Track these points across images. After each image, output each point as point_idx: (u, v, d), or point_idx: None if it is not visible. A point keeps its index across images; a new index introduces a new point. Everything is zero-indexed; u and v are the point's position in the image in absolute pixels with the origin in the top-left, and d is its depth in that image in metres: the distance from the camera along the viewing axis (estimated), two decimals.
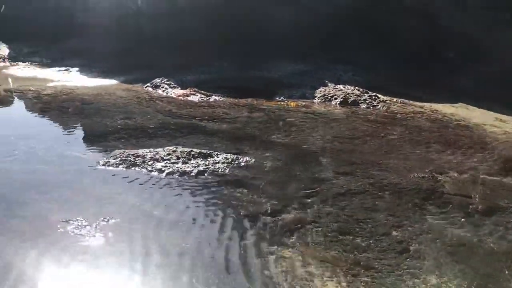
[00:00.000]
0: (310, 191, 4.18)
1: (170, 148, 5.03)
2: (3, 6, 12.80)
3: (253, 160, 4.86)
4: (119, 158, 4.79)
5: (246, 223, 3.60)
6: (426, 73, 8.98)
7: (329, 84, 8.22)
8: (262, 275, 2.93)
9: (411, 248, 3.28)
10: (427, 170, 4.68)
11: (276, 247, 3.27)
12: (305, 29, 10.11)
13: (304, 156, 5.13)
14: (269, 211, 3.79)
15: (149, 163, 4.70)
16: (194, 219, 3.66)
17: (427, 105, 7.37)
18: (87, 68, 9.92)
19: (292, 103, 7.49)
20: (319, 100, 7.70)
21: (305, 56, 10.09)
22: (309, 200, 3.99)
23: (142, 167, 4.63)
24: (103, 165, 4.69)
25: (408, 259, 3.15)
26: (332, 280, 2.89)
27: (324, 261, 3.10)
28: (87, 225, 3.50)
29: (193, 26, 10.39)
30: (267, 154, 5.09)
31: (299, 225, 3.58)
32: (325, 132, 5.99)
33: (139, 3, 10.85)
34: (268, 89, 8.28)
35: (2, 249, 3.17)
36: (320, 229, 3.53)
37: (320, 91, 7.95)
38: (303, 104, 7.46)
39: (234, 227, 3.53)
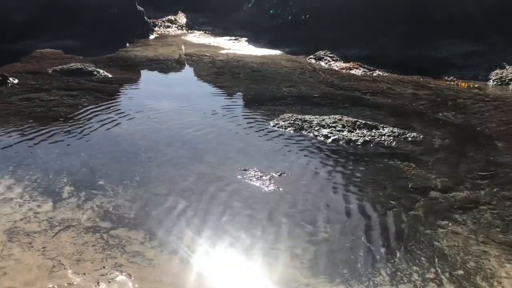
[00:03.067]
0: (485, 173, 3.95)
1: (336, 116, 5.13)
2: None
3: (421, 136, 4.73)
4: (288, 121, 5.05)
5: (414, 195, 3.56)
6: None
7: (508, 67, 7.49)
8: (432, 246, 2.91)
9: None
10: None
11: (446, 221, 3.19)
12: (474, 9, 9.27)
13: (476, 137, 4.83)
14: (439, 187, 3.69)
15: (316, 128, 4.88)
16: (359, 185, 3.74)
17: None
18: (254, 38, 10.49)
19: (463, 84, 7.02)
20: (495, 83, 7.10)
21: (478, 36, 9.29)
22: (483, 182, 3.78)
23: (309, 132, 4.83)
24: (274, 126, 5.01)
25: None
26: (511, 263, 2.75)
27: (501, 243, 2.95)
28: (262, 175, 3.81)
29: (357, 2, 10.23)
30: (436, 132, 4.91)
31: (472, 205, 3.43)
32: (500, 115, 5.54)
33: None
34: (435, 68, 7.86)
35: (192, 186, 3.63)
36: (496, 211, 3.34)
37: (497, 73, 7.31)
38: (476, 85, 6.95)
39: (401, 198, 3.52)
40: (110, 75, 6.88)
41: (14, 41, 8.43)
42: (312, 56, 8.68)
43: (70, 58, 7.90)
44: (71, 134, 4.57)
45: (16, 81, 6.27)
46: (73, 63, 7.19)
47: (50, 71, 6.90)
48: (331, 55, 8.54)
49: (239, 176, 3.80)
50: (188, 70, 8.01)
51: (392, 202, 3.47)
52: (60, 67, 6.99)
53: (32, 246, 2.73)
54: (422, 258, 2.77)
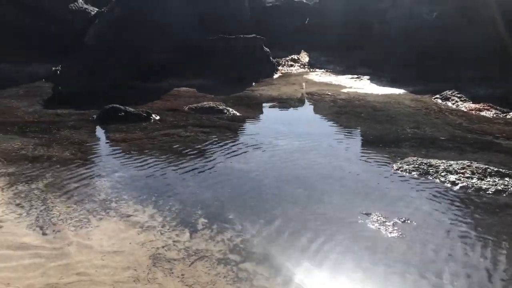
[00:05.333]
0: None
1: (464, 162, 4.92)
2: (308, 19, 14.54)
3: None
4: (412, 165, 4.97)
5: None
6: None
7: None
8: None
9: None
10: None
11: None
12: None
13: None
14: None
15: (442, 174, 4.73)
16: (490, 238, 3.54)
17: None
18: (377, 76, 10.46)
19: None
20: None
21: None
22: None
23: (434, 177, 4.70)
24: (397, 169, 4.96)
25: None
26: None
27: None
28: (385, 221, 3.80)
29: (481, 39, 9.69)
30: None
31: None
32: None
33: (434, 15, 10.76)
34: None
35: (313, 226, 3.75)
36: None
37: None
38: None
39: None
40: (238, 113, 7.38)
41: (156, 80, 9.45)
42: (438, 96, 8.40)
43: (203, 96, 8.63)
44: (204, 169, 5.01)
45: (157, 117, 7.03)
46: (206, 102, 7.85)
47: (186, 108, 7.61)
48: (458, 95, 8.19)
49: (360, 220, 3.84)
50: (309, 109, 8.26)
51: None
52: (194, 105, 7.68)
53: (172, 272, 3.05)
54: None
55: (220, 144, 5.89)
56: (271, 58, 11.09)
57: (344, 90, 9.34)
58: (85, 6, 11.62)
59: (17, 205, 4.04)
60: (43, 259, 3.19)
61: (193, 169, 5.00)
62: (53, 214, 3.87)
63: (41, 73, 10.03)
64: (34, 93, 8.62)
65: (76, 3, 11.40)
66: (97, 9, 11.75)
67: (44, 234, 3.54)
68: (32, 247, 3.35)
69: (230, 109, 7.48)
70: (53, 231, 3.59)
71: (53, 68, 9.88)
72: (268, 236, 3.57)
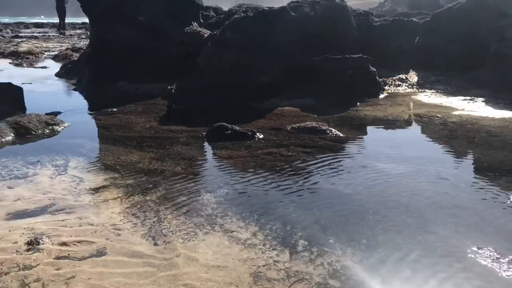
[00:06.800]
0: None
1: None
2: (417, 38, 14.03)
3: None
4: None
5: None
6: None
7: None
8: None
9: None
10: None
11: None
12: None
13: None
14: None
15: None
16: None
17: None
18: (493, 99, 9.75)
19: None
20: None
21: None
22: None
23: None
24: None
25: None
26: None
27: None
28: (499, 257, 3.53)
29: None
30: None
31: None
32: None
33: None
34: None
35: (418, 258, 3.59)
36: None
37: None
38: None
39: None
40: (341, 134, 7.33)
41: (261, 100, 9.73)
42: None
43: (306, 116, 8.71)
44: (305, 189, 5.05)
45: (261, 136, 7.23)
46: (309, 122, 7.92)
47: (289, 128, 7.74)
48: None
49: (470, 255, 3.60)
50: (417, 131, 7.93)
51: None
52: (297, 125, 7.78)
53: None
54: None
55: (322, 165, 5.90)
56: (377, 77, 10.86)
57: (456, 113, 8.84)
58: (199, 29, 12.39)
59: (133, 215, 4.41)
60: (154, 268, 3.45)
61: (294, 189, 5.06)
62: (164, 225, 4.16)
63: (157, 92, 10.83)
64: (151, 110, 9.33)
65: (191, 26, 12.20)
66: (209, 32, 12.47)
67: (155, 244, 3.82)
68: (145, 256, 3.63)
69: (333, 130, 7.45)
70: (164, 242, 3.86)
71: (168, 87, 10.63)
72: (369, 264, 3.49)
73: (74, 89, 12.20)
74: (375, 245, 3.78)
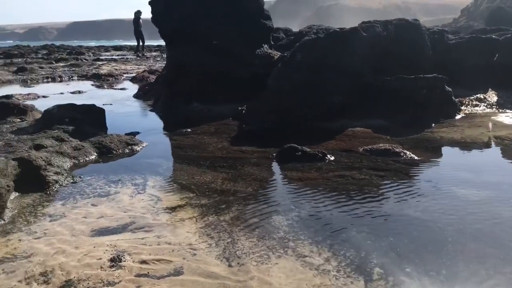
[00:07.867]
0: None
1: None
2: (496, 55, 13.37)
3: None
4: None
5: None
6: None
7: None
8: None
9: None
10: None
11: None
12: None
13: None
14: None
15: None
16: None
17: None
18: None
19: None
20: None
21: None
22: None
23: None
24: None
25: None
26: None
27: None
28: None
29: None
30: None
31: None
32: None
33: None
34: None
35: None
36: None
37: None
38: None
39: None
40: (415, 157, 7.10)
41: (332, 120, 9.67)
42: None
43: (378, 137, 8.53)
44: (379, 215, 4.94)
45: (332, 158, 7.18)
46: (382, 144, 7.75)
47: (360, 150, 7.62)
48: None
49: None
50: (497, 155, 7.51)
51: None
52: (370, 146, 7.64)
53: None
54: None
55: (396, 189, 5.74)
56: (453, 97, 10.44)
57: None
58: (269, 51, 12.61)
59: (208, 235, 4.53)
60: None
61: (367, 214, 4.97)
62: (238, 247, 4.24)
63: (228, 112, 11.11)
64: (223, 131, 9.58)
65: (262, 48, 12.45)
66: (279, 53, 12.66)
67: (230, 266, 3.90)
68: (220, 277, 3.71)
69: (407, 152, 7.24)
70: (238, 263, 3.93)
71: (239, 108, 10.88)
72: None
73: (151, 110, 12.82)
74: (456, 276, 3.62)
